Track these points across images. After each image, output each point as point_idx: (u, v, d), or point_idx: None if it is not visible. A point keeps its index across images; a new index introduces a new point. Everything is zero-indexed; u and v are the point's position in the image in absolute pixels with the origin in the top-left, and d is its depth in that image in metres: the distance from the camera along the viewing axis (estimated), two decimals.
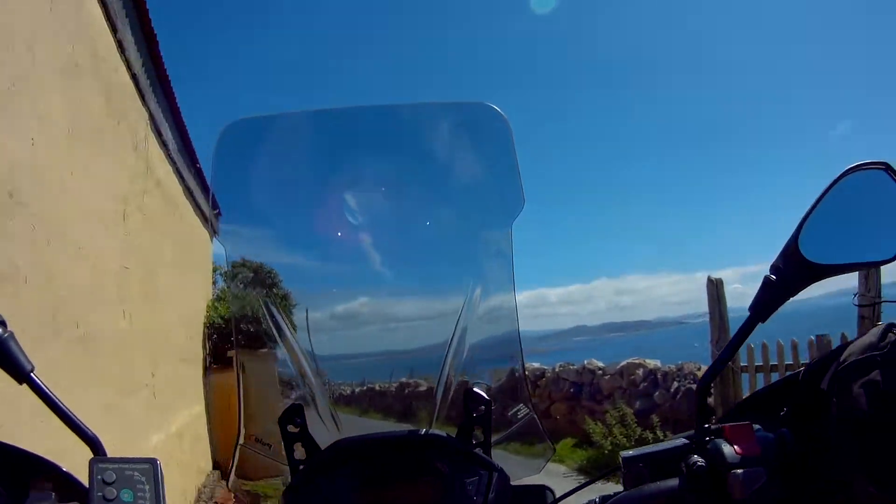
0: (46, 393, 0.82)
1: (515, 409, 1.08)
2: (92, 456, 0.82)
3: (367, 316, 1.10)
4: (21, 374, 0.81)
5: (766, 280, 0.80)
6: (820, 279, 0.78)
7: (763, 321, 0.80)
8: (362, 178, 1.07)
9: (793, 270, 0.78)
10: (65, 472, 0.84)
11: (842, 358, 0.77)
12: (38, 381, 0.82)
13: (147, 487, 0.80)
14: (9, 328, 0.81)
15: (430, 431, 0.99)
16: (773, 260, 0.81)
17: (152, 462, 0.83)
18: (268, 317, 1.04)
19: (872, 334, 0.76)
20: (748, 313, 0.80)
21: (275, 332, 1.04)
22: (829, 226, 0.78)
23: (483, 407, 0.99)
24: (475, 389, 1.00)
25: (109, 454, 0.82)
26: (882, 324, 0.76)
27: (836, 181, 0.79)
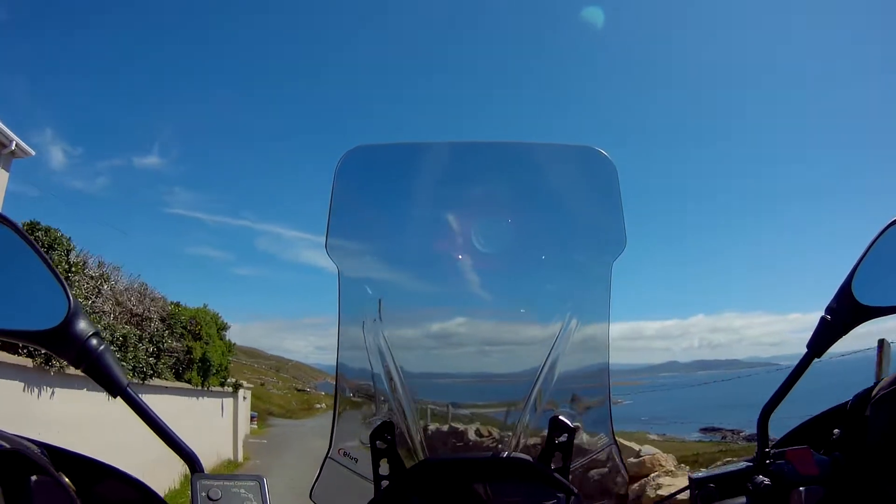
0: (143, 407, 0.80)
1: (597, 438, 1.12)
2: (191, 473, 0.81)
3: (463, 337, 1.14)
4: (117, 388, 0.79)
5: (822, 320, 0.87)
6: (870, 319, 0.86)
7: (819, 357, 0.88)
8: (471, 209, 1.12)
9: (846, 311, 0.85)
10: (147, 487, 0.82)
11: (876, 389, 0.87)
12: (135, 395, 0.80)
13: None
14: (103, 340, 0.80)
15: (514, 455, 1.02)
16: (829, 302, 0.87)
17: (259, 479, 0.82)
18: (372, 337, 1.07)
19: None
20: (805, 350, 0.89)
21: (375, 352, 1.07)
22: (879, 270, 0.85)
23: (566, 434, 1.03)
24: (560, 417, 1.04)
25: None
26: None
27: (885, 229, 0.86)
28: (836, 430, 0.92)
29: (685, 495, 0.99)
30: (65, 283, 0.78)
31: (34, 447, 0.73)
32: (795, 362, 0.90)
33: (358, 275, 1.07)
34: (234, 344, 18.93)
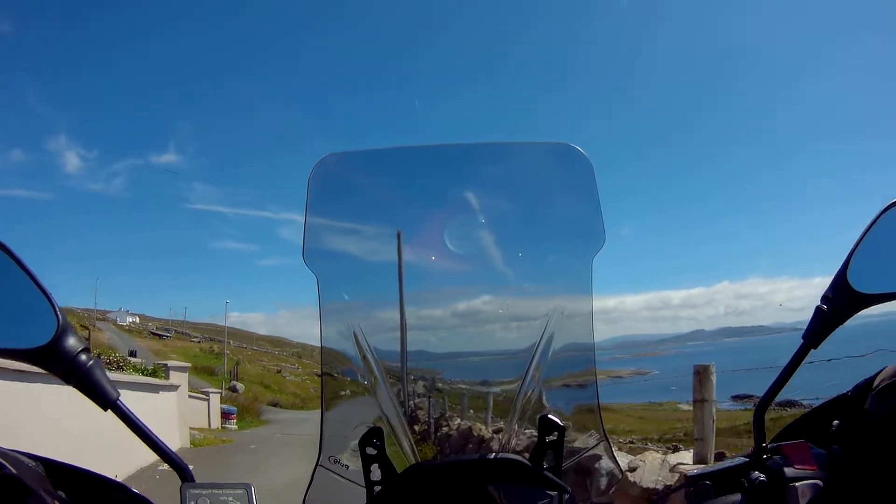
0: (133, 420, 0.81)
1: (587, 435, 1.12)
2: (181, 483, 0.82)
3: (446, 342, 1.16)
4: (107, 401, 0.80)
5: (818, 309, 0.85)
6: (868, 307, 0.84)
7: (815, 347, 0.86)
8: (447, 211, 1.11)
9: (842, 300, 0.84)
10: (140, 495, 0.82)
11: (878, 380, 0.86)
12: (125, 408, 0.81)
13: None
14: (91, 355, 0.81)
15: (505, 455, 1.02)
16: (824, 291, 0.86)
17: (246, 487, 0.83)
18: (356, 343, 1.08)
19: None
20: (801, 341, 0.87)
21: (358, 358, 1.08)
22: (874, 257, 0.84)
23: (556, 433, 1.03)
24: (549, 416, 1.03)
25: None
26: None
27: (879, 215, 0.85)
28: (835, 422, 0.91)
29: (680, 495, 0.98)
30: (54, 300, 0.79)
31: (30, 462, 0.75)
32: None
33: (338, 283, 1.07)
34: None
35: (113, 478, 0.82)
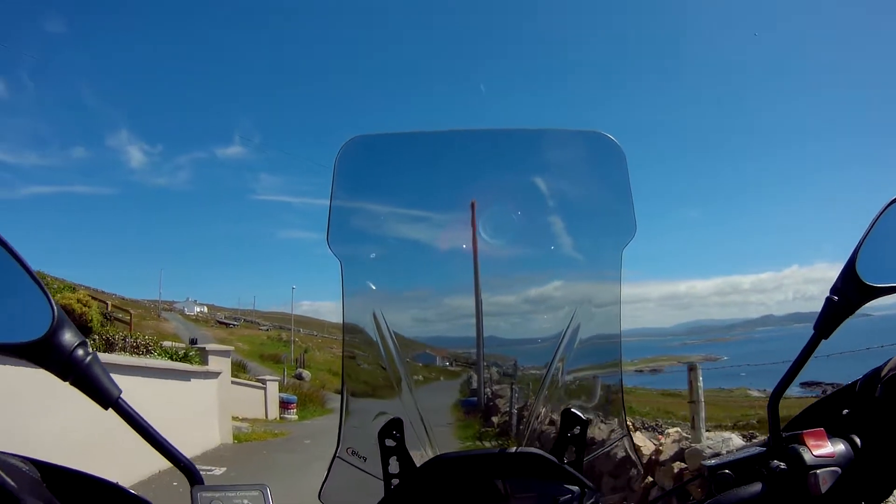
0: (136, 419, 0.77)
1: (610, 430, 1.12)
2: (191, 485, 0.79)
3: (471, 332, 1.13)
4: (107, 400, 0.76)
5: (828, 300, 0.86)
6: (876, 298, 0.85)
7: (826, 338, 0.86)
8: (475, 197, 1.09)
9: (851, 291, 0.84)
10: (138, 496, 0.79)
11: (886, 369, 0.88)
12: (127, 407, 0.77)
13: None
14: (90, 350, 0.76)
15: (526, 449, 1.01)
16: (834, 282, 0.86)
17: (262, 488, 0.80)
18: (376, 331, 1.07)
19: None
20: (812, 331, 0.88)
21: (380, 347, 1.07)
22: (883, 248, 0.85)
23: (579, 427, 1.01)
24: (572, 410, 1.02)
25: None
26: None
27: (887, 206, 0.86)
28: (844, 411, 0.92)
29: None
30: (48, 292, 0.75)
31: (24, 465, 0.72)
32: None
33: (362, 270, 1.06)
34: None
35: (112, 480, 0.79)
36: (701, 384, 6.17)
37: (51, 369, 0.74)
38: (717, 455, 0.97)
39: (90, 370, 0.75)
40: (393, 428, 1.01)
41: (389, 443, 1.01)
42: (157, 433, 0.78)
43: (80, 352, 0.74)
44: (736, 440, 5.33)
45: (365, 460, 1.03)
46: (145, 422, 0.77)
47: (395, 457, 1.01)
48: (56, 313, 0.74)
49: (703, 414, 6.05)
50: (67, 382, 0.75)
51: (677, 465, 5.55)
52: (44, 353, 0.73)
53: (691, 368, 6.39)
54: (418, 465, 1.01)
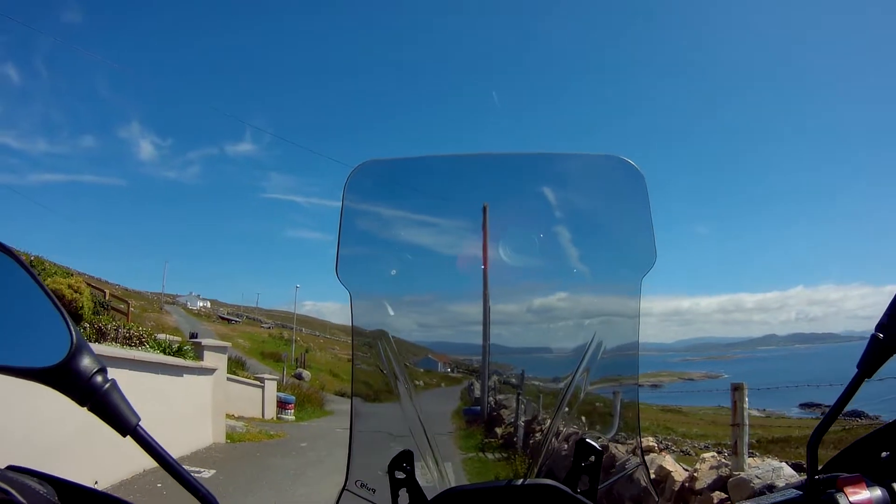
0: (155, 448, 0.76)
1: (625, 460, 1.06)
2: None
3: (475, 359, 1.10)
4: (126, 427, 0.75)
5: (873, 338, 0.83)
6: None
7: (869, 377, 0.83)
8: (488, 224, 1.06)
9: None
10: None
11: None
12: (146, 435, 0.76)
13: None
14: (109, 377, 0.76)
15: (539, 480, 0.97)
16: (879, 319, 0.83)
17: None
18: (385, 363, 1.05)
19: None
20: (856, 370, 0.84)
21: (391, 378, 1.05)
22: None
23: (594, 457, 0.98)
24: (587, 440, 0.99)
25: None
26: None
27: None
28: (884, 454, 0.88)
29: None
30: (67, 316, 0.75)
31: (40, 487, 0.71)
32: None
33: (372, 297, 1.04)
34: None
35: (129, 500, 0.78)
36: (746, 405, 5.53)
37: (69, 395, 0.74)
38: (758, 495, 0.96)
39: (109, 397, 0.74)
40: (403, 460, 0.98)
41: (399, 475, 0.98)
42: (176, 462, 0.76)
43: (99, 378, 0.74)
44: (787, 469, 4.94)
45: (374, 492, 1.00)
46: (164, 451, 0.76)
47: (404, 488, 0.98)
48: (75, 338, 0.74)
49: (746, 438, 5.45)
50: (85, 408, 0.74)
51: (717, 496, 5.17)
52: (62, 379, 0.73)
53: (736, 388, 5.65)
54: (429, 499, 0.98)
